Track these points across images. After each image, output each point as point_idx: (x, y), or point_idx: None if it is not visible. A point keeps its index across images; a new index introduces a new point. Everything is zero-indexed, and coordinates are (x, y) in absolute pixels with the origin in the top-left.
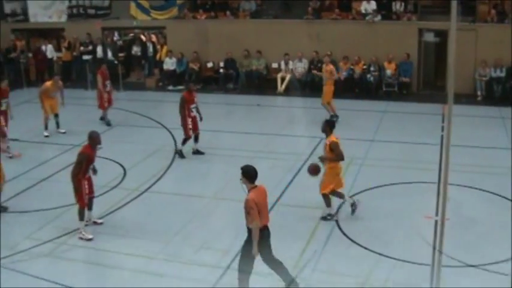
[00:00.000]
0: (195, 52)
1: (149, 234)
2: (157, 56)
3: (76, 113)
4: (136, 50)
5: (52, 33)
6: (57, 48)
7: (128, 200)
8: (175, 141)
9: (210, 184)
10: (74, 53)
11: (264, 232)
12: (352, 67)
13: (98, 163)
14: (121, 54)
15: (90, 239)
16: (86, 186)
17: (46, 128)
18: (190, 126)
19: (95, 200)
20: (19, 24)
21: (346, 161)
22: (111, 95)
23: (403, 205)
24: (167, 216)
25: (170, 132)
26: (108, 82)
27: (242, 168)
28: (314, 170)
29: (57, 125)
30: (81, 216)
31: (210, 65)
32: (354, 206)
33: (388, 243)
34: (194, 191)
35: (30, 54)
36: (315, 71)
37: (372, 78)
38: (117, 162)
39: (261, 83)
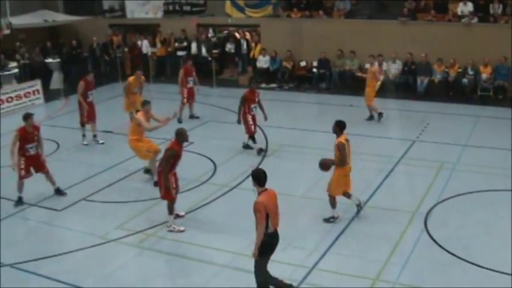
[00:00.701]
0: (289, 51)
1: (236, 230)
2: (251, 54)
3: (169, 108)
4: (230, 47)
5: (148, 29)
6: (152, 44)
7: (217, 196)
8: (266, 138)
9: (299, 183)
10: (169, 49)
11: (273, 237)
12: (446, 70)
13: (189, 158)
14: (215, 51)
15: (182, 231)
16: (173, 181)
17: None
18: (251, 123)
19: (184, 194)
20: (116, 20)
21: (437, 165)
22: (193, 91)
23: (493, 212)
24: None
25: (261, 130)
26: (190, 79)
27: (252, 172)
28: (325, 166)
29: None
30: (170, 210)
31: (303, 64)
32: (359, 207)
33: (476, 251)
34: (283, 189)
35: (126, 49)
36: (359, 73)
37: (466, 82)
38: (208, 158)
39: (354, 84)
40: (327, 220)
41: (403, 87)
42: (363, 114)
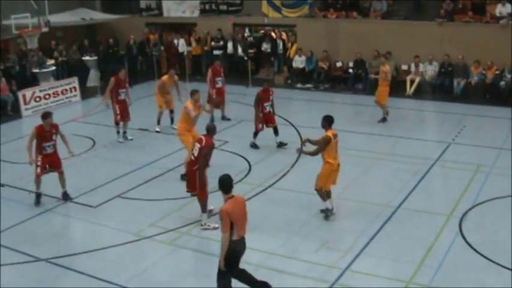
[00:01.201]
0: (325, 51)
1: (270, 230)
2: (287, 54)
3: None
4: (266, 47)
5: (184, 28)
6: (189, 43)
7: (251, 195)
8: (301, 138)
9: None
10: (205, 48)
11: (238, 244)
12: (484, 72)
13: (224, 157)
14: (251, 51)
15: (216, 228)
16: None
17: (158, 123)
18: (261, 120)
19: (218, 193)
20: (153, 19)
21: (473, 168)
22: (222, 91)
23: None
24: (289, 213)
25: (296, 130)
26: (219, 79)
27: (219, 178)
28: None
29: (172, 121)
30: (204, 208)
31: (339, 64)
32: (328, 212)
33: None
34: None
35: (162, 48)
36: (372, 75)
37: (504, 84)
38: (243, 157)
39: (390, 85)
40: (323, 211)
41: (440, 89)
42: (398, 115)
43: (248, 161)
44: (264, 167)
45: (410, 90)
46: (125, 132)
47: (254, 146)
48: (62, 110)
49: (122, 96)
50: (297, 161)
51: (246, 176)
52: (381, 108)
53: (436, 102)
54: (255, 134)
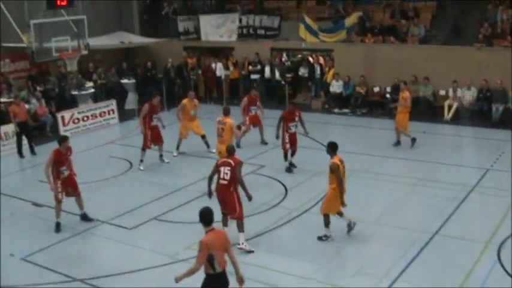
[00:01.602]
0: (362, 76)
1: (305, 255)
2: (324, 78)
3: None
4: (303, 71)
5: (222, 52)
6: (226, 67)
7: (287, 220)
8: None
9: (371, 209)
10: (243, 72)
11: (220, 279)
12: None
13: (260, 181)
14: (288, 75)
15: (251, 251)
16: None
17: (177, 148)
18: (287, 141)
19: (254, 217)
20: (191, 42)
21: None
22: (257, 117)
23: None
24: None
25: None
26: (254, 107)
27: (199, 211)
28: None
29: (207, 145)
30: (242, 228)
31: (376, 89)
32: (350, 226)
33: None
34: (354, 215)
35: (200, 72)
36: (392, 104)
37: None
38: (279, 181)
39: (428, 110)
40: (320, 238)
41: (478, 114)
42: (435, 140)
43: (284, 185)
44: (300, 192)
45: (448, 115)
46: (161, 156)
47: (289, 169)
48: (99, 132)
49: (155, 122)
50: None
51: (282, 200)
52: (403, 134)
53: (474, 127)
54: (285, 156)
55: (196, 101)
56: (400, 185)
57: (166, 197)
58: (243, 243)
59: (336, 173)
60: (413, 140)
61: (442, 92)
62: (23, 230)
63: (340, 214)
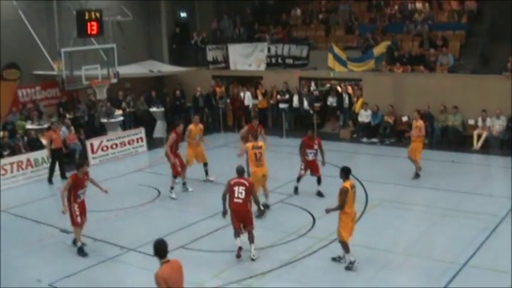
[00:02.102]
0: (391, 105)
1: (332, 284)
2: (353, 108)
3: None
4: (332, 100)
5: (250, 81)
6: (254, 96)
7: (314, 249)
8: (366, 194)
9: (399, 239)
10: (271, 101)
11: None
12: None
13: (288, 210)
14: (317, 105)
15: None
16: None
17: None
18: (303, 167)
19: (282, 247)
20: (219, 71)
21: None
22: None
23: None
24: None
25: (362, 184)
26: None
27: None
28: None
29: (206, 173)
30: (254, 239)
31: (405, 119)
32: (351, 264)
33: None
34: (382, 245)
35: (228, 100)
36: (407, 133)
37: None
38: (307, 211)
39: (457, 139)
40: (347, 268)
41: (508, 143)
42: (464, 170)
43: (312, 215)
44: (328, 221)
45: (477, 145)
46: (184, 183)
47: (295, 190)
48: (128, 160)
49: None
50: (361, 215)
51: (309, 230)
52: (414, 164)
53: (504, 157)
54: (298, 179)
55: (201, 126)
56: (429, 214)
57: (193, 225)
58: (253, 255)
59: (342, 196)
60: (417, 175)
61: (471, 121)
62: (50, 255)
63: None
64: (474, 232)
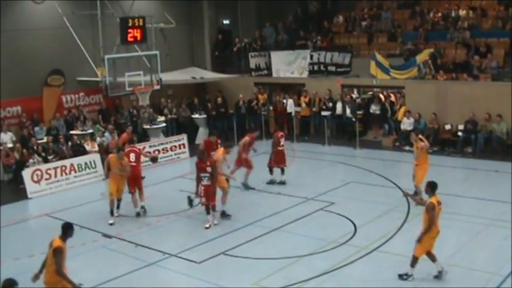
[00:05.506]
0: (434, 113)
1: None
2: (396, 116)
3: (310, 167)
4: (374, 108)
5: (293, 88)
6: (297, 103)
7: (355, 258)
8: (408, 203)
9: (442, 249)
10: (313, 109)
11: None
12: None
13: (330, 218)
14: (359, 112)
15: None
16: None
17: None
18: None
19: (322, 255)
20: (262, 78)
21: None
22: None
23: None
24: (395, 277)
25: (403, 193)
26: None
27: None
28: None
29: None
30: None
31: (448, 127)
32: (440, 274)
33: None
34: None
35: (270, 108)
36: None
37: None
38: (349, 219)
39: (501, 148)
40: (401, 276)
41: None
42: (509, 179)
43: (353, 223)
44: (369, 230)
45: None
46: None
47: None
48: (170, 166)
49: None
50: (403, 224)
51: (351, 238)
52: (415, 187)
53: None
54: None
55: (218, 141)
56: (473, 224)
57: (235, 232)
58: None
59: (430, 214)
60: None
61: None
62: (92, 260)
63: (433, 258)
64: None
